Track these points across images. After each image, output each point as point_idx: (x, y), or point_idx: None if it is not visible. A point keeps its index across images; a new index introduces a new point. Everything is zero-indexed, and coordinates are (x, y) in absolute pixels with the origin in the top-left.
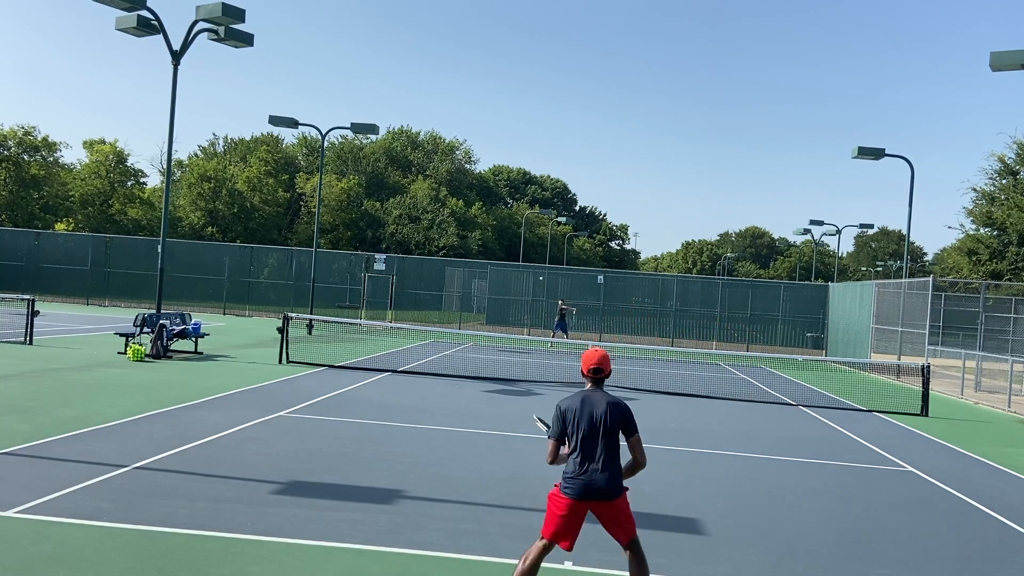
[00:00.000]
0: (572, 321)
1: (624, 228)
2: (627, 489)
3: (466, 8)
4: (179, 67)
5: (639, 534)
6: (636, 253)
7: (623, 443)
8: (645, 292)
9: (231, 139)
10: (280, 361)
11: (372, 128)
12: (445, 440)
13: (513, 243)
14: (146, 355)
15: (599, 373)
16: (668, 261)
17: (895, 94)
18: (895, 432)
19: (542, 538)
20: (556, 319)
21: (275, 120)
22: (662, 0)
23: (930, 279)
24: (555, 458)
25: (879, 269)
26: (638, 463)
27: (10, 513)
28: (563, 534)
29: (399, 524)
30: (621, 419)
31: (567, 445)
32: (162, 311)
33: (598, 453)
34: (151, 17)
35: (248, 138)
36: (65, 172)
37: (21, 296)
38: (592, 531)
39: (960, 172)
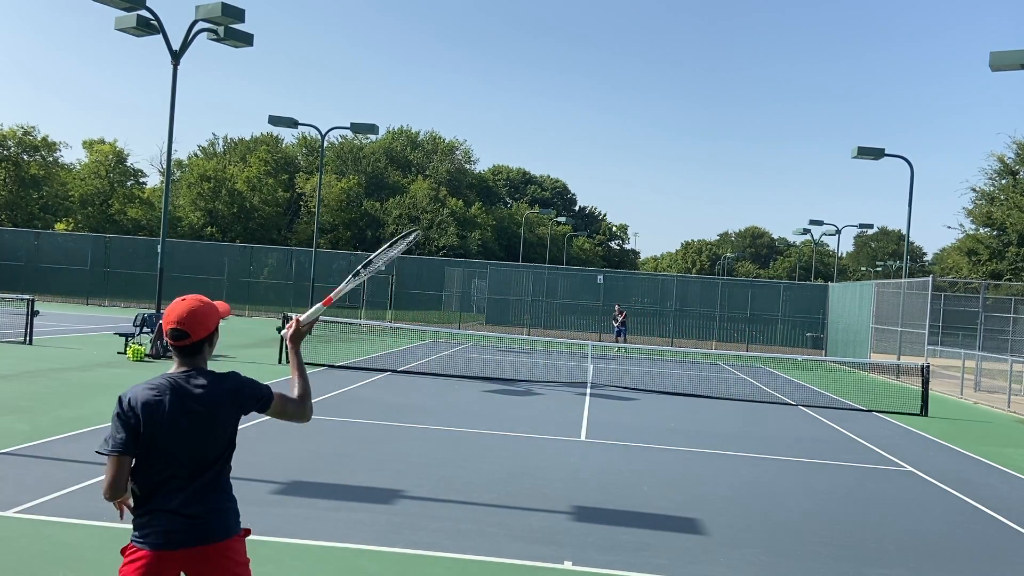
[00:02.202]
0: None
1: (624, 228)
2: (245, 532)
3: (466, 8)
4: (179, 67)
5: (639, 535)
6: (636, 253)
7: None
8: (645, 292)
9: (231, 139)
10: (280, 361)
11: (372, 128)
12: (445, 440)
13: (513, 243)
14: (146, 355)
15: (181, 338)
16: (668, 261)
17: (895, 94)
18: (895, 432)
19: None
20: (616, 325)
21: (275, 120)
22: (662, 0)
23: (930, 279)
24: (119, 487)
25: (879, 269)
26: (298, 399)
27: (10, 513)
28: None
29: (399, 524)
30: (233, 403)
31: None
32: (162, 311)
33: (196, 471)
34: (151, 17)
35: (248, 138)
36: (65, 172)
37: (21, 296)
38: (592, 530)
39: (960, 172)
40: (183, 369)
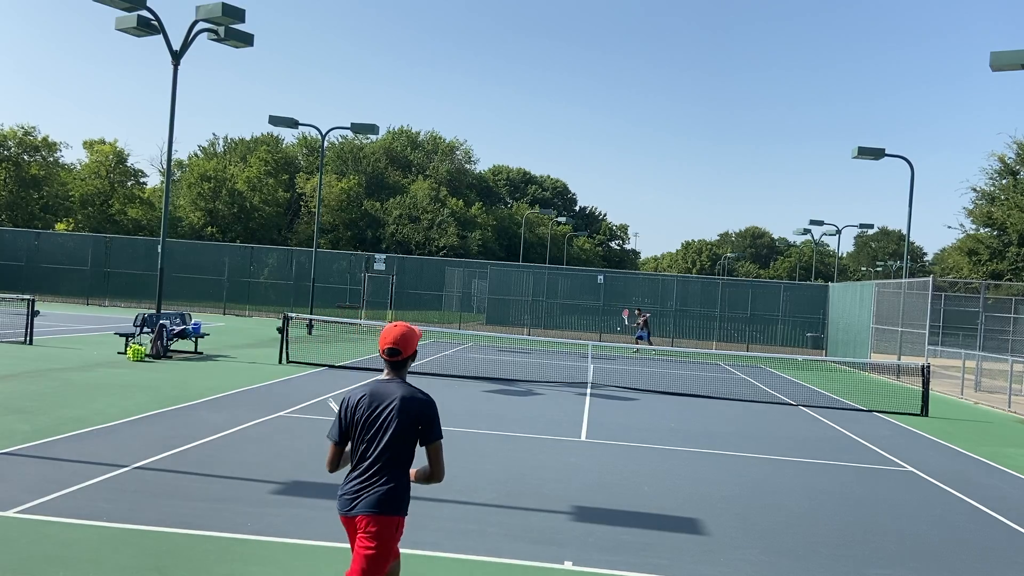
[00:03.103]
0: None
1: (624, 228)
2: (402, 515)
3: (466, 8)
4: (179, 67)
5: (640, 535)
6: (636, 253)
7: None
8: (645, 292)
9: (231, 139)
10: (280, 361)
11: (372, 128)
12: (445, 440)
13: (513, 243)
14: (146, 355)
15: (395, 355)
16: (668, 261)
17: (895, 94)
18: (895, 432)
19: None
20: (639, 329)
21: (275, 120)
22: (662, 0)
23: (930, 279)
24: (335, 465)
25: (879, 269)
26: (432, 475)
27: (10, 513)
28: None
29: None
30: (413, 419)
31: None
32: (162, 311)
33: (375, 458)
34: (151, 17)
35: (248, 138)
36: (65, 172)
37: (21, 296)
38: (592, 530)
39: (960, 172)
40: (388, 378)
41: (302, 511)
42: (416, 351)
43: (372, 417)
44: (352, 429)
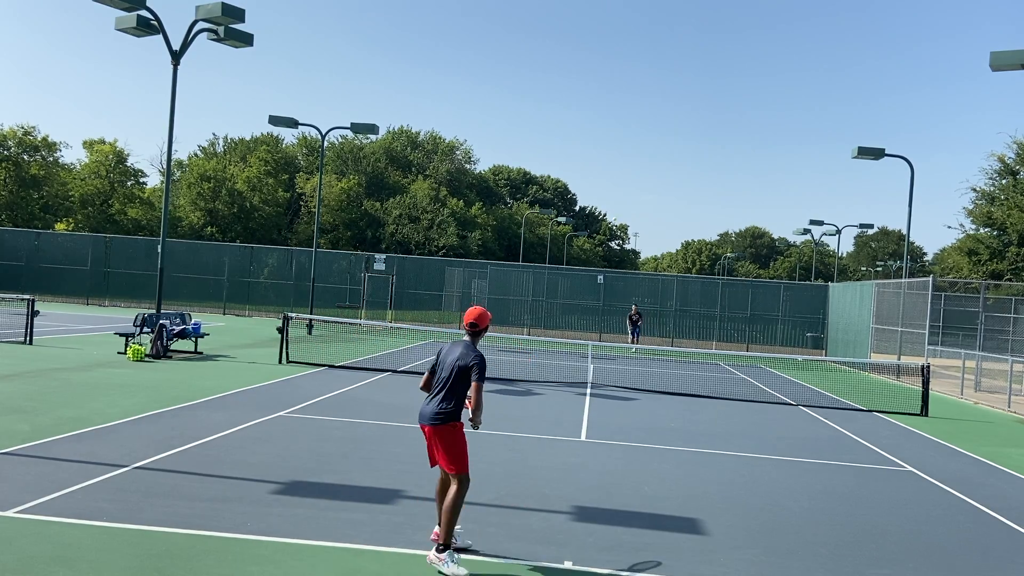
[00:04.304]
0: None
1: (624, 228)
2: (458, 424)
3: (466, 9)
4: (179, 67)
5: (640, 535)
6: (636, 253)
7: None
8: (645, 292)
9: (231, 139)
10: (280, 361)
11: (372, 128)
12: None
13: (513, 243)
14: (146, 355)
15: (473, 327)
16: (668, 261)
17: (895, 95)
18: (895, 432)
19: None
20: (631, 327)
21: (275, 120)
22: (663, 2)
23: (930, 279)
24: (424, 385)
25: (879, 269)
26: (472, 400)
27: (10, 513)
28: (431, 456)
29: (399, 524)
30: (465, 366)
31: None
32: (162, 311)
33: (439, 388)
34: (151, 17)
35: (248, 138)
36: (65, 172)
37: (21, 296)
38: (592, 530)
39: (960, 172)
40: (466, 340)
41: (302, 511)
42: (487, 327)
43: (447, 361)
44: (436, 366)
